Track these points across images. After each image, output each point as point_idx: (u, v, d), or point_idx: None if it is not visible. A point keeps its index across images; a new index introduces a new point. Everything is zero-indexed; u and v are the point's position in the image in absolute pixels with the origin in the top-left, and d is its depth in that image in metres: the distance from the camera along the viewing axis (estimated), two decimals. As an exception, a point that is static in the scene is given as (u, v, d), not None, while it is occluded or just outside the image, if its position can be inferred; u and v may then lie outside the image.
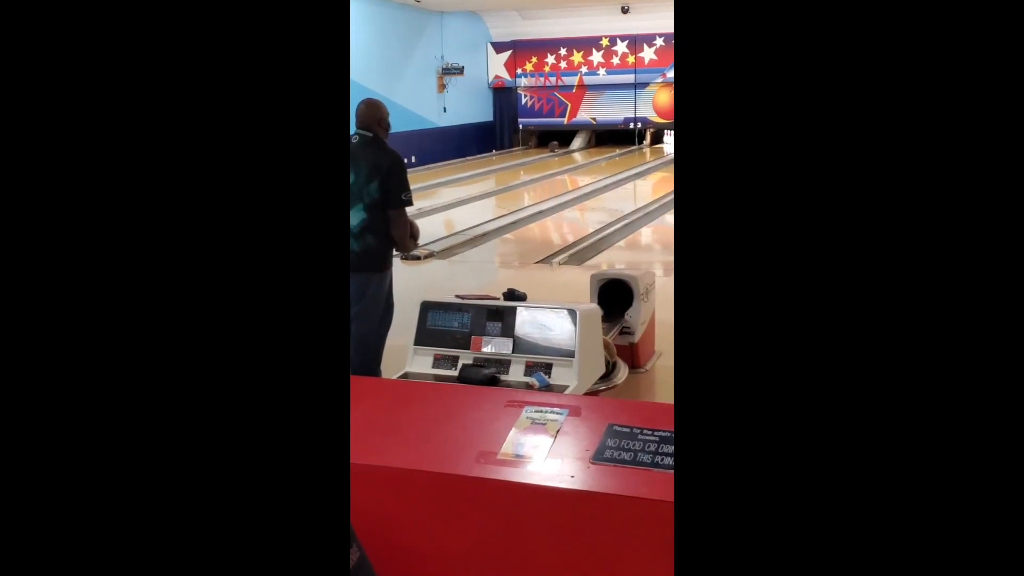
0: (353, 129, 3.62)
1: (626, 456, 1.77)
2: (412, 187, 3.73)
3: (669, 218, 9.27)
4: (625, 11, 15.28)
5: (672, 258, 7.27)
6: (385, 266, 3.67)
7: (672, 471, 1.71)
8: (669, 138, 16.40)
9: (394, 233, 3.60)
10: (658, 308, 4.61)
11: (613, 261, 7.50)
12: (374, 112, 3.63)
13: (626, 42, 16.10)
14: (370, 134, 3.61)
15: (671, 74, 15.07)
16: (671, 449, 1.77)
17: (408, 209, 3.68)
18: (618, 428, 1.86)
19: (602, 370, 3.54)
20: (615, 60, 16.39)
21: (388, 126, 3.68)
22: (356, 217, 3.54)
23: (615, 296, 4.37)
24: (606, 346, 3.69)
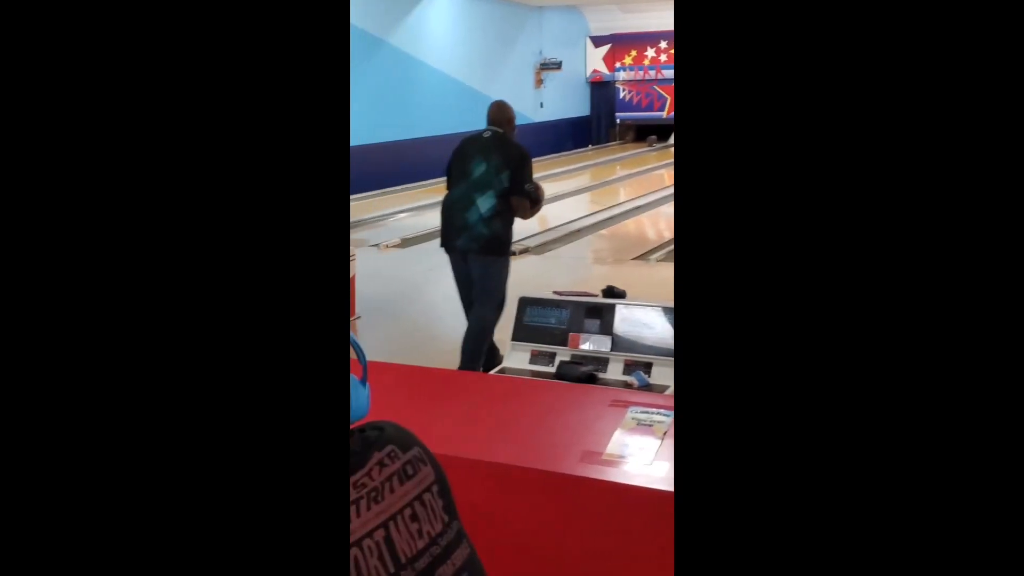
0: (485, 126, 4.19)
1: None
2: None
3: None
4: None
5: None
6: (507, 251, 4.03)
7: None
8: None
9: (517, 215, 4.06)
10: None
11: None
12: (504, 112, 4.17)
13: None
14: (500, 130, 4.09)
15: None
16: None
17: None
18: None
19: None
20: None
21: (515, 125, 4.21)
22: (487, 203, 3.93)
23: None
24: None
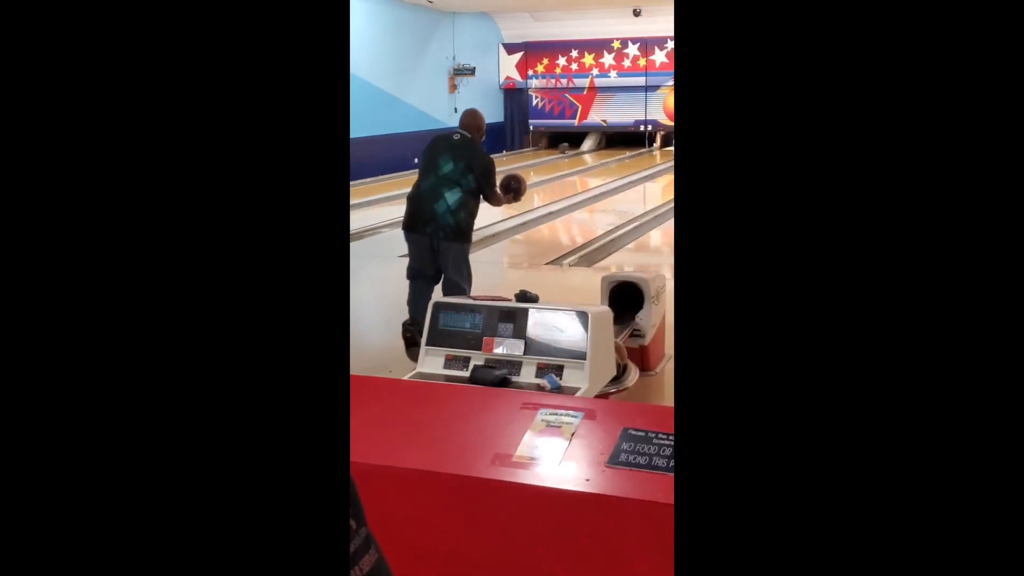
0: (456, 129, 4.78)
1: (641, 460, 1.77)
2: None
3: (679, 221, 9.27)
4: (637, 13, 15.27)
5: (682, 261, 7.29)
6: (469, 238, 4.69)
7: (663, 472, 1.71)
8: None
9: (492, 204, 4.84)
10: (668, 311, 4.61)
11: (623, 263, 7.50)
12: (476, 119, 4.76)
13: (637, 44, 16.09)
14: (470, 136, 4.66)
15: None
16: (667, 451, 1.77)
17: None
18: (633, 432, 1.86)
19: (613, 372, 3.54)
20: (626, 62, 16.38)
21: (484, 132, 4.79)
22: (453, 197, 4.51)
23: (626, 299, 4.37)
24: (617, 349, 3.69)
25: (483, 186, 4.62)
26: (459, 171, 4.56)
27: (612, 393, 3.56)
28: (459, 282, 4.64)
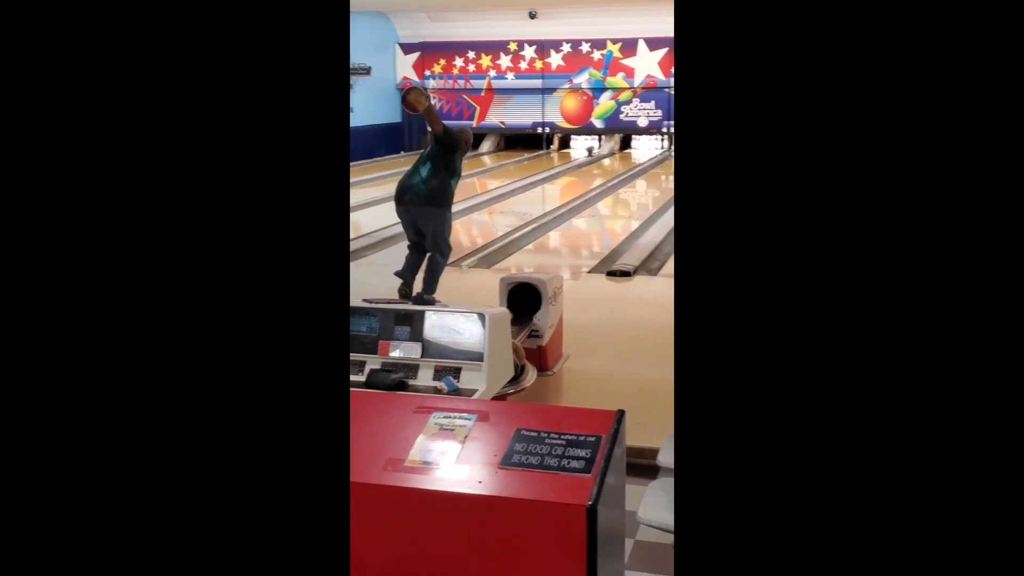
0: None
1: (534, 460, 1.79)
2: None
3: (577, 222, 9.39)
4: (533, 16, 15.41)
5: (579, 262, 7.37)
6: (447, 205, 5.26)
7: (578, 474, 1.73)
8: (576, 143, 16.60)
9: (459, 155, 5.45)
10: (566, 311, 4.66)
11: (522, 265, 7.55)
12: (463, 134, 5.47)
13: (534, 47, 16.24)
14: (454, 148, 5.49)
15: (578, 80, 15.31)
16: (578, 452, 1.79)
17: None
18: (526, 432, 1.88)
19: (511, 373, 3.56)
20: (523, 65, 16.51)
21: (469, 146, 5.56)
22: (427, 169, 5.24)
23: (524, 300, 4.40)
24: (515, 349, 3.71)
25: (451, 149, 5.39)
26: (431, 156, 5.36)
27: (510, 394, 3.58)
28: (436, 254, 5.28)
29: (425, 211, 5.24)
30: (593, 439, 1.83)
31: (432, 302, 4.96)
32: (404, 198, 5.30)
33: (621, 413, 1.96)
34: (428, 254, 5.34)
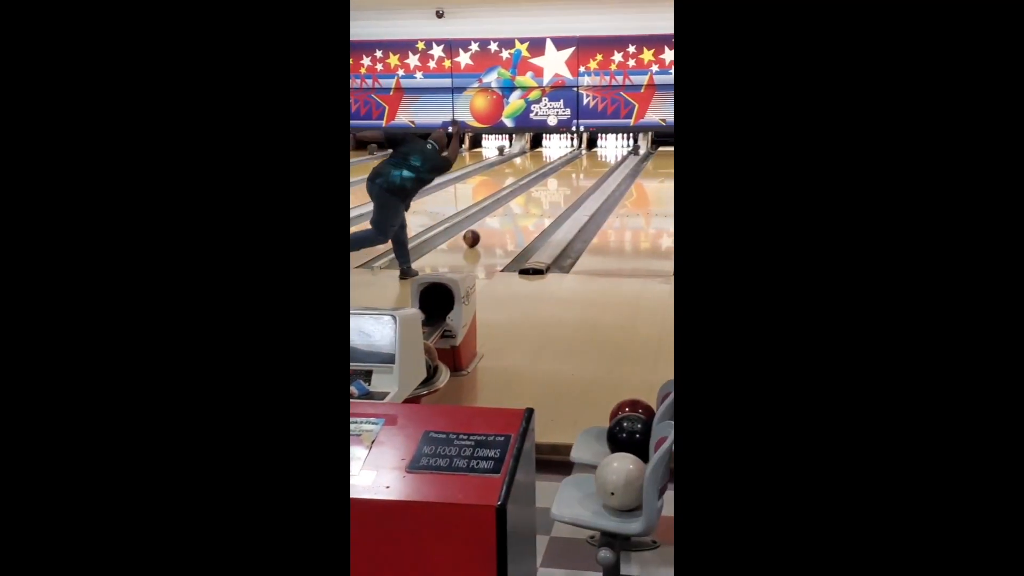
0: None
1: (442, 463, 1.77)
2: None
3: (490, 221, 9.40)
4: (440, 15, 15.36)
5: (493, 261, 7.38)
6: (402, 199, 6.22)
7: (487, 474, 1.73)
8: (487, 142, 16.63)
9: (450, 157, 6.48)
10: (479, 310, 4.66)
11: (435, 265, 7.51)
12: (443, 138, 6.36)
13: (442, 46, 16.19)
14: (438, 147, 6.21)
15: (487, 79, 15.33)
16: (487, 452, 1.78)
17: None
18: (434, 435, 1.86)
19: (423, 375, 3.52)
20: (432, 64, 16.44)
21: (446, 149, 6.35)
22: (410, 174, 6.07)
23: (436, 300, 4.37)
24: (427, 350, 3.68)
25: (437, 170, 6.34)
26: (425, 168, 6.13)
27: (423, 395, 3.55)
28: (376, 231, 6.10)
29: (384, 198, 6.07)
30: (502, 439, 1.83)
31: (413, 272, 6.21)
32: (376, 180, 6.15)
33: (530, 411, 1.96)
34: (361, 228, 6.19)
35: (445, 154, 6.43)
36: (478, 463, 1.76)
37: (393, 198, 6.17)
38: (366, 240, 6.29)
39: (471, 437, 1.83)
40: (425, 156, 6.23)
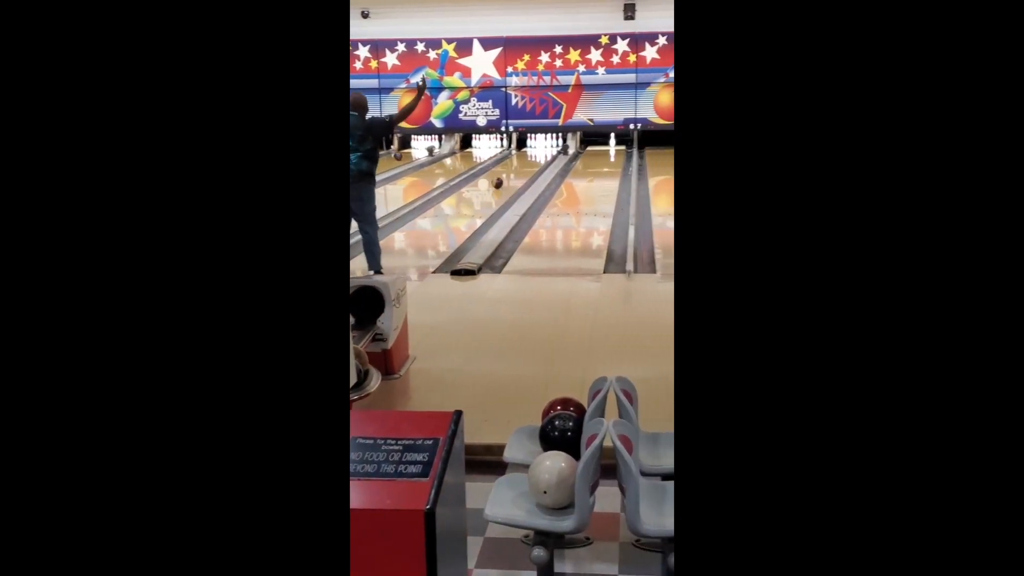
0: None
1: (370, 469, 1.75)
2: None
3: (421, 222, 9.35)
4: (365, 16, 15.22)
5: (425, 262, 7.34)
6: (374, 182, 6.35)
7: (416, 479, 1.72)
8: (417, 143, 16.53)
9: (410, 110, 6.69)
10: (411, 312, 4.63)
11: (366, 267, 7.43)
12: (360, 100, 6.29)
13: (368, 46, 16.04)
14: (356, 113, 6.13)
15: (414, 79, 15.25)
16: (415, 457, 1.77)
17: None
18: (362, 441, 1.84)
19: (353, 380, 3.48)
20: (358, 64, 16.26)
21: (368, 109, 6.37)
22: (355, 155, 6.10)
23: (366, 303, 4.33)
24: (357, 355, 3.64)
25: (391, 127, 6.52)
26: (357, 139, 6.11)
27: (354, 400, 3.51)
28: (364, 225, 6.20)
29: (358, 188, 6.11)
30: (431, 442, 1.82)
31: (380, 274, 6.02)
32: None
33: (458, 414, 1.96)
34: (361, 236, 6.23)
35: (388, 115, 6.66)
36: (406, 468, 1.75)
37: (359, 184, 6.23)
38: (372, 243, 6.37)
39: (399, 442, 1.82)
40: (360, 134, 6.20)
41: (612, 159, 14.15)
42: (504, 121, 15.01)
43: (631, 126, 14.41)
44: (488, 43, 14.77)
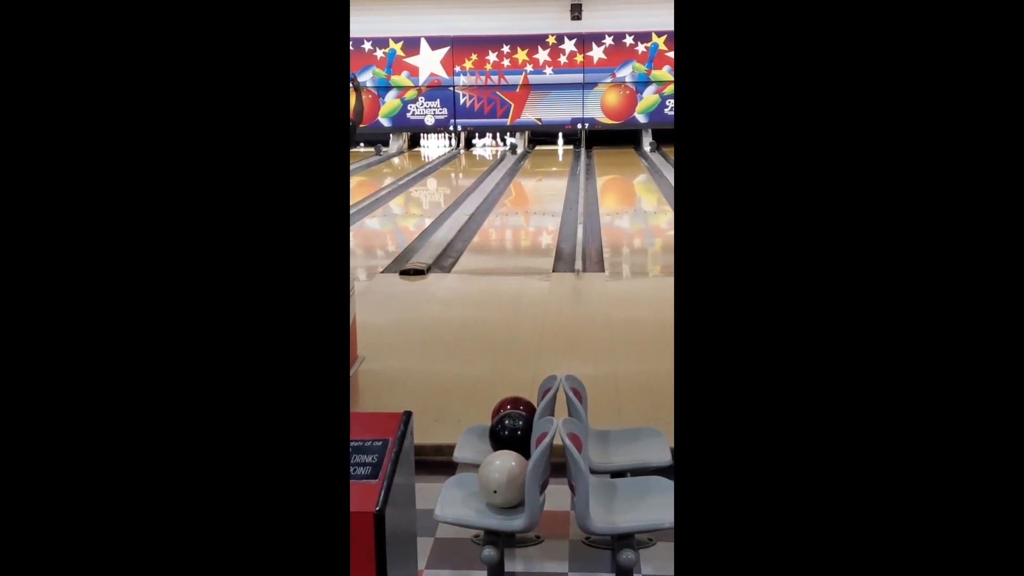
0: None
1: (318, 471, 1.73)
2: None
3: (369, 221, 9.28)
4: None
5: (373, 262, 7.29)
6: None
7: (365, 480, 1.70)
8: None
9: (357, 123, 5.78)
10: (360, 312, 4.59)
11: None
12: None
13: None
14: None
15: (362, 77, 15.12)
16: (364, 459, 1.76)
17: None
18: (309, 443, 1.82)
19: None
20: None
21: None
22: None
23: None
24: (305, 357, 3.60)
25: (353, 132, 6.30)
26: None
27: (302, 403, 3.47)
28: None
29: None
30: (379, 443, 1.81)
31: None
32: None
33: (408, 414, 1.95)
34: None
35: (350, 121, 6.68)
36: (355, 469, 1.73)
37: None
38: None
39: (348, 444, 1.80)
40: None
41: (560, 158, 14.22)
42: (452, 120, 14.97)
43: (579, 126, 14.50)
44: (436, 42, 14.71)
